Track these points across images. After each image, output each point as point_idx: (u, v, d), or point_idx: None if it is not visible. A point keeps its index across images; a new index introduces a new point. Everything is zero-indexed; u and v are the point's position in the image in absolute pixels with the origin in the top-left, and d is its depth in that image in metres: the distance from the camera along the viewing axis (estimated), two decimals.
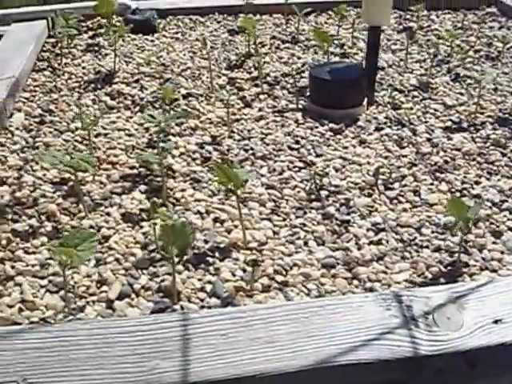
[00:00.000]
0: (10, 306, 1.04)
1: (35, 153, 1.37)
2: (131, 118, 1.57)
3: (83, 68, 1.76)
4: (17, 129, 1.51)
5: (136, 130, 1.50)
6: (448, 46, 1.88)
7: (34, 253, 1.14)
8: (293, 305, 0.98)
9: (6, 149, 1.45)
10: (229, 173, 1.11)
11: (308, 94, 1.63)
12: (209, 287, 1.07)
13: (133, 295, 1.05)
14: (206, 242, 1.15)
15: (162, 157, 1.20)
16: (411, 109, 1.62)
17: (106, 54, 1.83)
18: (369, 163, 1.40)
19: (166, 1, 2.10)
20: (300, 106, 1.60)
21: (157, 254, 1.13)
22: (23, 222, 1.20)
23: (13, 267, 1.10)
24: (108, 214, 1.23)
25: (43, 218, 1.22)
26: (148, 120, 1.31)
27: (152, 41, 1.92)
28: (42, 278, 1.09)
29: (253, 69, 1.77)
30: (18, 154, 1.43)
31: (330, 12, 2.10)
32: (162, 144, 1.35)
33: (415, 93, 1.68)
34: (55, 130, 1.50)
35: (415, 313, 0.95)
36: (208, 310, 0.98)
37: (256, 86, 1.69)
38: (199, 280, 1.08)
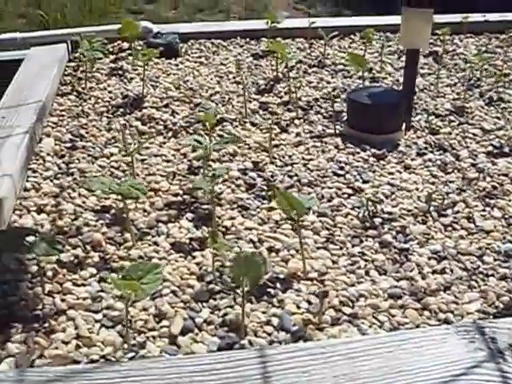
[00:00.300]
0: (66, 343, 0.97)
1: (80, 180, 1.31)
2: (164, 143, 1.52)
3: (109, 92, 1.71)
4: (48, 154, 1.45)
5: (173, 155, 1.45)
6: (477, 70, 1.87)
7: (83, 285, 1.08)
8: (372, 339, 0.93)
9: (38, 175, 1.39)
10: (292, 200, 1.06)
11: (345, 118, 1.60)
12: (275, 320, 1.01)
13: (196, 330, 1.00)
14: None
15: (213, 183, 1.15)
16: (449, 133, 1.60)
17: (132, 78, 1.78)
18: (417, 189, 1.36)
19: (186, 25, 2.08)
20: (337, 131, 1.56)
21: (215, 285, 1.07)
22: (67, 252, 1.14)
23: (63, 300, 1.04)
24: (156, 243, 1.17)
25: (88, 247, 1.16)
26: (195, 146, 1.26)
27: (176, 65, 1.88)
28: (96, 311, 1.02)
29: (283, 93, 1.74)
30: (51, 181, 1.37)
31: (352, 36, 2.09)
32: (212, 170, 1.29)
33: (451, 117, 1.66)
34: (88, 155, 1.44)
35: (500, 345, 0.90)
36: (285, 346, 0.92)
37: (289, 110, 1.66)
38: (263, 313, 1.02)
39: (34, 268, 1.11)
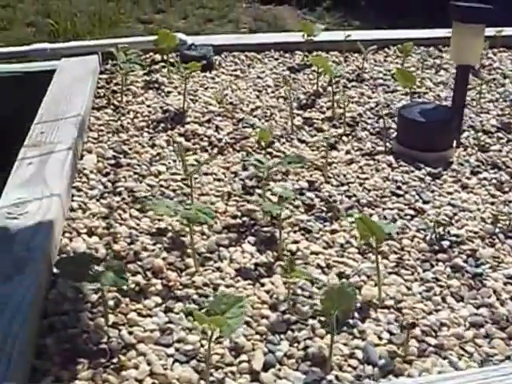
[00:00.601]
0: (139, 381, 0.91)
1: (143, 202, 1.24)
2: (210, 160, 1.46)
3: (148, 106, 1.65)
4: (91, 172, 1.39)
5: (223, 174, 1.39)
6: None
7: (149, 316, 1.01)
8: (470, 374, 0.88)
9: (83, 194, 1.32)
10: (372, 225, 1.01)
11: (393, 135, 1.56)
12: (358, 353, 0.95)
13: (277, 365, 0.94)
14: None
15: (281, 207, 1.09)
16: (500, 151, 1.55)
17: (169, 92, 1.72)
18: (479, 210, 1.32)
19: (218, 36, 2.02)
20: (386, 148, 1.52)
21: (291, 315, 1.01)
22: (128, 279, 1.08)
23: (130, 333, 0.98)
24: (219, 269, 1.12)
25: (149, 274, 1.10)
26: (256, 165, 1.20)
27: (212, 78, 1.83)
28: (167, 345, 0.96)
29: (325, 108, 1.69)
30: (97, 200, 1.30)
31: (386, 50, 2.05)
32: (276, 190, 1.23)
33: (499, 134, 1.62)
34: (135, 173, 1.38)
35: None
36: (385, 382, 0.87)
37: (334, 126, 1.61)
38: (345, 345, 0.97)
39: (94, 297, 1.05)
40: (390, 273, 1.13)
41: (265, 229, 1.22)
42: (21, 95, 1.88)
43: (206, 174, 1.38)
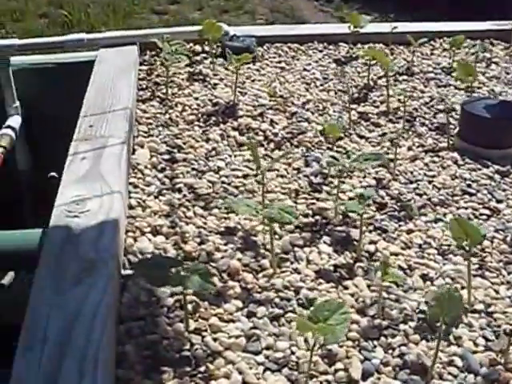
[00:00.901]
0: None
1: (222, 201, 1.18)
2: (267, 155, 1.40)
3: (196, 99, 1.58)
4: (145, 167, 1.32)
5: (285, 170, 1.33)
6: None
7: (231, 321, 0.96)
8: None
9: (139, 191, 1.26)
10: (468, 227, 0.95)
11: (455, 131, 1.50)
12: (457, 360, 0.90)
13: (375, 373, 0.88)
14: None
15: (363, 206, 1.04)
16: None
17: (216, 84, 1.66)
18: None
19: (260, 28, 1.96)
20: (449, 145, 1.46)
21: (382, 320, 0.96)
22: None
23: (215, 340, 0.92)
24: (297, 270, 1.06)
25: (225, 276, 1.04)
26: (331, 163, 1.14)
27: (257, 70, 1.76)
28: (256, 353, 0.90)
29: (379, 103, 1.63)
30: (156, 198, 1.24)
31: (432, 43, 1.99)
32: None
33: None
34: (193, 169, 1.32)
35: None
36: None
37: (391, 121, 1.55)
38: (441, 351, 0.91)
39: (169, 300, 0.99)
40: (474, 275, 1.07)
41: (338, 228, 1.16)
42: (59, 87, 1.82)
43: (268, 170, 1.32)
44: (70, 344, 0.84)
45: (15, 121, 1.85)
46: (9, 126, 1.82)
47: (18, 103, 1.86)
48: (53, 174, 2.08)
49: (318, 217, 1.18)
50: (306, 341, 0.85)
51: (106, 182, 1.19)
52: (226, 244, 1.10)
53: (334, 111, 1.58)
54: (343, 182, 1.23)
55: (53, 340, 0.85)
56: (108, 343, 0.86)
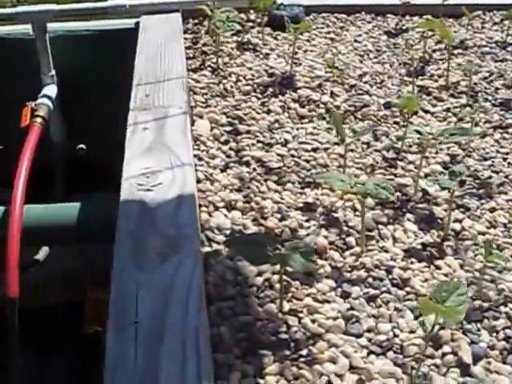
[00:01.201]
0: (339, 376, 0.81)
1: (316, 175, 1.12)
2: (330, 128, 1.34)
3: (249, 69, 1.51)
4: (208, 139, 1.27)
5: (354, 144, 1.28)
6: None
7: (326, 301, 0.91)
8: None
9: (204, 163, 1.20)
10: None
11: None
12: None
13: (484, 357, 0.85)
14: None
15: (454, 183, 0.99)
16: None
17: (268, 54, 1.59)
18: None
19: None
20: None
21: (482, 302, 0.92)
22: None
23: (313, 321, 0.88)
24: (384, 248, 1.02)
25: None
26: (413, 138, 1.09)
27: (307, 40, 1.70)
28: (357, 335, 0.86)
29: (437, 76, 1.58)
30: (222, 171, 1.19)
31: (482, 16, 1.93)
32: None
33: None
34: (258, 141, 1.26)
35: None
36: None
37: (452, 96, 1.50)
38: None
39: (258, 279, 0.95)
40: None
41: (420, 205, 1.12)
42: (102, 54, 1.74)
43: (335, 143, 1.27)
44: (165, 326, 0.80)
45: (51, 90, 1.78)
46: (45, 95, 1.75)
47: (53, 72, 1.79)
48: (81, 146, 2.02)
49: (398, 193, 1.13)
50: (423, 324, 0.80)
51: (175, 153, 1.14)
52: (307, 220, 1.06)
53: (393, 84, 1.53)
54: (426, 158, 1.19)
55: (146, 321, 0.80)
56: (205, 325, 0.82)
